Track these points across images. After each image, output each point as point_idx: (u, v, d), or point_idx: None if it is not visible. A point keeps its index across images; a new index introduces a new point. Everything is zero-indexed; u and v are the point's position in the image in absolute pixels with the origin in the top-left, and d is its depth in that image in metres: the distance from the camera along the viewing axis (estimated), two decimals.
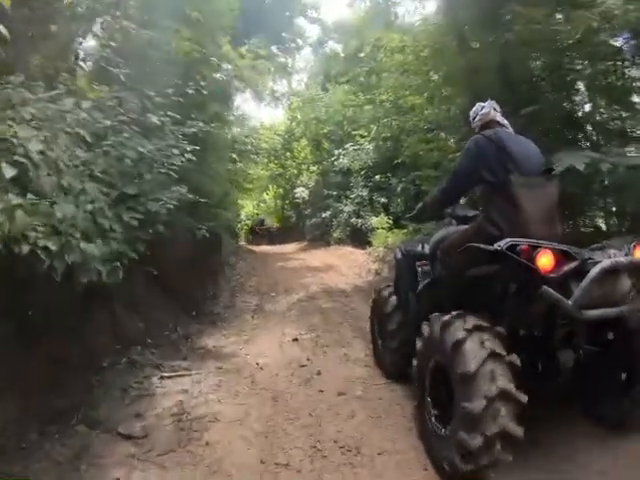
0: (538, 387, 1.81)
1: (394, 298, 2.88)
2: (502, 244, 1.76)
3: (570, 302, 1.63)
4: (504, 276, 1.88)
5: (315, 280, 7.20)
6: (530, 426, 1.66)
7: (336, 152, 12.16)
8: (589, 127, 4.77)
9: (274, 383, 2.88)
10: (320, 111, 14.14)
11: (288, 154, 17.09)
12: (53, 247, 1.70)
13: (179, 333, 4.07)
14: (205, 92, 4.72)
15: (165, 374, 3.16)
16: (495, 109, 2.26)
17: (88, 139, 2.80)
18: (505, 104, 2.61)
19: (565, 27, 4.10)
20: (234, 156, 8.30)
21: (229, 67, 5.38)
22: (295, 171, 17.55)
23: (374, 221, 9.91)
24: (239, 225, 12.69)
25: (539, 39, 4.52)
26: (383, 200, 10.81)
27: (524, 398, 1.66)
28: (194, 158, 3.69)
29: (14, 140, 1.85)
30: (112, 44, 4.61)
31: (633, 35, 4.07)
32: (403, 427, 2.20)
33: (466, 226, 2.31)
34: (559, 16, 4.28)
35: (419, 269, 2.72)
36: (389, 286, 3.07)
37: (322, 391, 2.67)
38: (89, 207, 2.09)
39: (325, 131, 14.38)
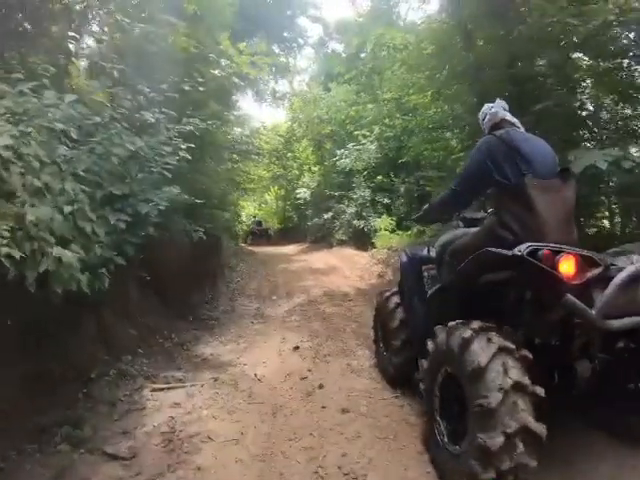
0: (554, 399, 1.68)
1: (400, 308, 2.70)
2: (522, 249, 1.62)
3: (594, 312, 1.53)
4: (521, 283, 1.76)
5: (317, 283, 7.02)
6: (545, 440, 1.53)
7: (338, 152, 12.00)
8: (594, 124, 4.65)
9: (273, 397, 2.68)
10: (322, 110, 13.98)
11: (289, 155, 16.95)
12: (17, 255, 1.51)
13: (174, 340, 3.87)
14: (202, 89, 4.54)
15: (157, 386, 2.97)
16: (504, 108, 2.17)
17: (74, 136, 2.63)
18: (512, 102, 2.50)
19: (581, 19, 3.96)
20: (234, 156, 8.13)
21: (228, 63, 5.19)
22: (297, 172, 17.40)
23: (377, 222, 9.73)
24: (239, 226, 12.49)
25: (552, 33, 4.37)
26: (386, 201, 10.66)
27: (541, 391, 1.56)
28: (190, 157, 3.51)
29: None
30: (105, 38, 4.46)
31: None
32: (414, 450, 2.00)
33: (475, 229, 2.19)
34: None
35: (425, 273, 2.58)
36: (394, 293, 2.88)
37: (324, 407, 2.46)
38: (68, 209, 1.90)
39: (327, 131, 14.23)
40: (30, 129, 2.00)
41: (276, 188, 20.31)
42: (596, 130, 4.70)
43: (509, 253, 1.64)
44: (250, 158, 9.76)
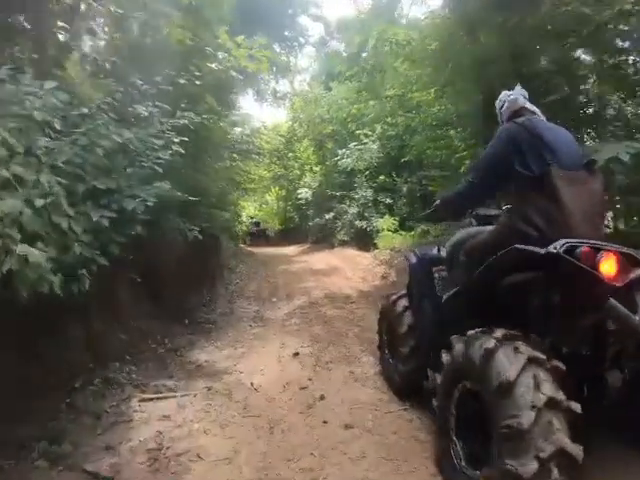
0: (583, 413, 1.46)
1: (408, 313, 2.49)
2: (557, 246, 1.42)
3: (637, 318, 1.36)
4: (551, 284, 1.54)
5: (318, 284, 6.82)
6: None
7: (340, 152, 11.82)
8: (599, 121, 4.51)
9: (270, 409, 2.47)
10: (323, 108, 13.81)
11: (291, 155, 16.78)
12: None
13: (167, 346, 3.67)
14: (199, 83, 4.35)
15: (146, 396, 2.77)
16: (524, 96, 1.99)
17: (57, 126, 2.44)
18: None
19: (594, 9, 3.79)
20: (234, 155, 7.94)
21: (225, 56, 5.01)
22: (298, 172, 17.24)
23: (380, 222, 9.54)
24: (239, 227, 12.31)
25: (563, 24, 4.23)
26: (388, 201, 10.48)
27: (577, 407, 1.36)
28: (183, 151, 3.32)
29: None
30: (97, 30, 4.29)
31: None
32: (426, 473, 1.79)
33: (492, 227, 1.97)
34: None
35: (436, 275, 2.38)
36: (401, 296, 2.67)
37: (326, 422, 2.25)
38: (40, 202, 1.70)
39: (328, 130, 14.05)
40: (3, 117, 1.80)
41: (277, 188, 20.14)
42: (601, 127, 4.57)
43: (542, 251, 1.44)
44: (250, 157, 9.57)
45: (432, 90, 7.37)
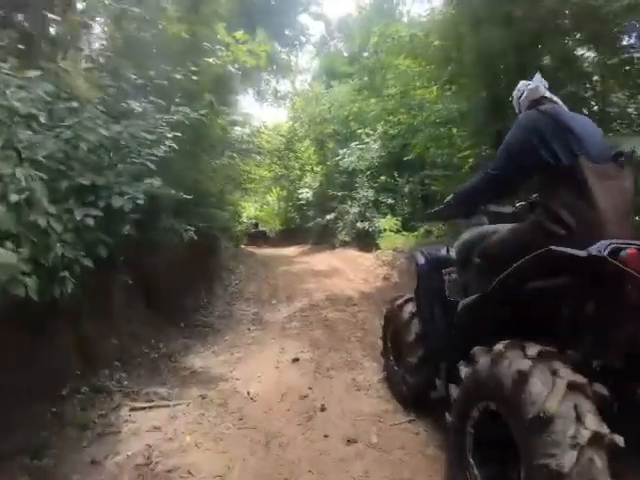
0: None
1: (417, 319, 2.33)
2: (601, 247, 1.26)
3: None
4: (587, 290, 1.36)
5: (319, 286, 6.66)
6: None
7: (341, 152, 11.66)
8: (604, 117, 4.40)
9: (266, 421, 2.31)
10: (324, 106, 13.66)
11: (291, 155, 16.63)
12: None
13: (161, 351, 3.52)
14: (195, 78, 4.20)
15: (137, 404, 2.63)
16: (545, 86, 1.82)
17: (42, 120, 2.30)
18: None
19: (605, 2, 3.67)
20: (234, 154, 7.80)
21: (223, 50, 4.87)
22: (299, 172, 17.09)
23: (382, 222, 9.38)
24: (239, 227, 12.15)
25: (570, 17, 4.11)
26: (390, 201, 10.33)
27: (621, 440, 1.16)
28: (177, 147, 3.17)
29: None
30: (90, 22, 4.15)
31: None
32: None
33: (508, 225, 1.79)
34: None
35: (446, 277, 2.21)
36: (408, 300, 2.52)
37: (327, 436, 2.09)
38: (14, 198, 1.56)
39: (329, 130, 13.91)
40: None
41: (278, 189, 19.97)
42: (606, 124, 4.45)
43: (584, 253, 1.27)
44: (250, 157, 9.43)
45: (434, 88, 7.24)
